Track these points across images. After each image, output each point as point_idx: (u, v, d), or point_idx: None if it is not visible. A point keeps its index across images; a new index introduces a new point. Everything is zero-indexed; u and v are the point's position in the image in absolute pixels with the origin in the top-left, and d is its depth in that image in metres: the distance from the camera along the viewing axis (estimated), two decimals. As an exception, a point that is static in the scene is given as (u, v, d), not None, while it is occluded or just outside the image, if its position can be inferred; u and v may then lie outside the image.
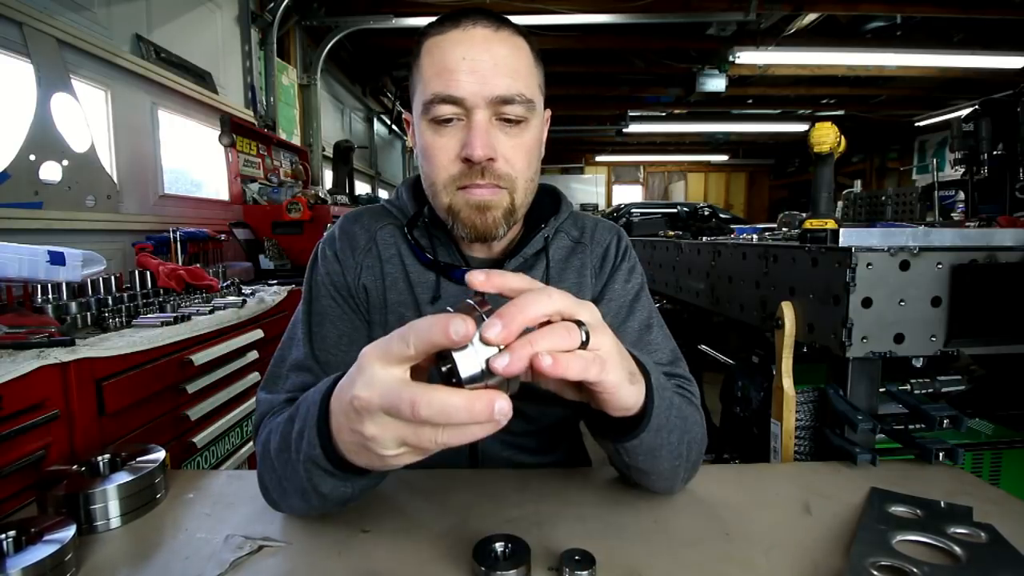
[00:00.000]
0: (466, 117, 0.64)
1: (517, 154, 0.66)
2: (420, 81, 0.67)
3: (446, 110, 0.63)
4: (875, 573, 0.49)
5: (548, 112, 0.76)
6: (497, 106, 0.63)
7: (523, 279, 0.43)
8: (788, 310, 1.01)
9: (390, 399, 0.37)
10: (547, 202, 0.82)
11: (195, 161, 2.77)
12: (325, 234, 0.81)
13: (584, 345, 0.41)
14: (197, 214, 2.59)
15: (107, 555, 0.55)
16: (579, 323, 0.41)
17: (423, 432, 0.37)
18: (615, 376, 0.44)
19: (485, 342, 0.36)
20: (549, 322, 0.41)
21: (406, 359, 0.38)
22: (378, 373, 0.38)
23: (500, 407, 0.35)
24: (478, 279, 0.40)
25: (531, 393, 0.77)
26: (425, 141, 0.67)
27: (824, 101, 7.07)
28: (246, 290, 1.87)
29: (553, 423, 0.82)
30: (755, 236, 1.94)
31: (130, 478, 0.62)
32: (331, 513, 0.62)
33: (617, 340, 0.46)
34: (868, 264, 0.89)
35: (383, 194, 6.29)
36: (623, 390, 0.46)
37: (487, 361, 0.36)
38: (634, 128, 7.84)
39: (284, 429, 0.54)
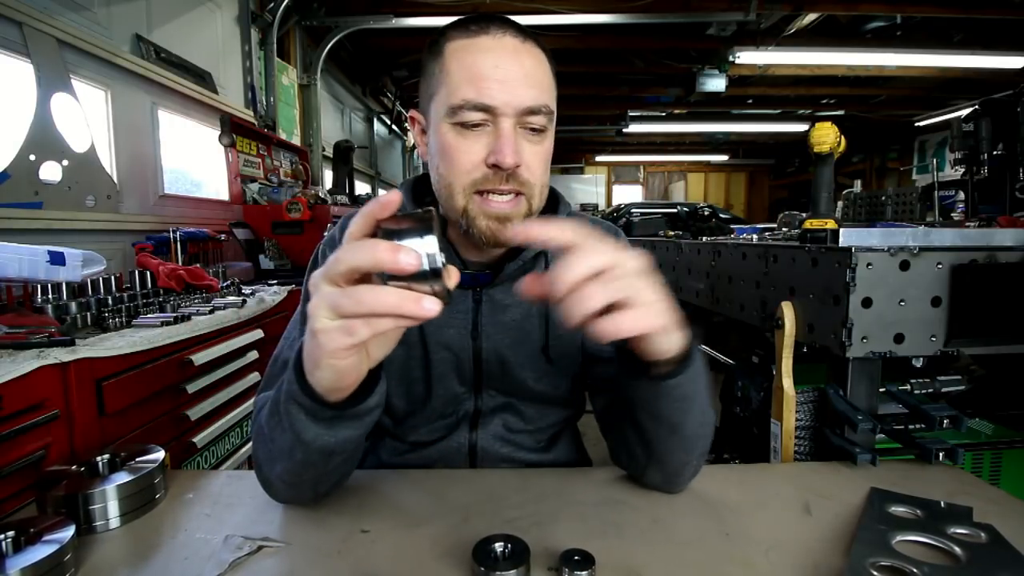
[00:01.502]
0: (492, 124, 0.64)
1: (537, 161, 0.67)
2: (445, 83, 0.66)
3: (475, 116, 0.64)
4: (875, 573, 0.49)
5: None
6: (523, 116, 0.64)
7: (567, 230, 0.46)
8: (788, 310, 1.01)
9: (333, 295, 0.44)
10: (546, 203, 0.82)
11: (195, 161, 2.77)
12: (325, 235, 0.81)
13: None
14: (197, 214, 2.59)
15: (106, 555, 0.55)
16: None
17: (354, 323, 0.43)
18: (658, 322, 0.49)
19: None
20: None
21: (339, 278, 0.45)
22: (323, 288, 0.45)
23: (428, 305, 0.42)
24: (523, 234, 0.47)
25: (530, 394, 0.78)
26: (447, 143, 0.66)
27: (824, 101, 7.06)
28: (246, 290, 1.87)
29: (551, 424, 0.82)
30: (755, 236, 1.94)
31: (130, 478, 0.62)
32: (330, 513, 0.62)
33: (661, 289, 0.50)
34: (868, 264, 0.89)
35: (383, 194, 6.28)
36: (667, 337, 0.52)
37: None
38: (634, 128, 7.84)
39: (275, 396, 0.57)
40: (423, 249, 0.42)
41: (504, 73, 0.63)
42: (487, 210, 0.66)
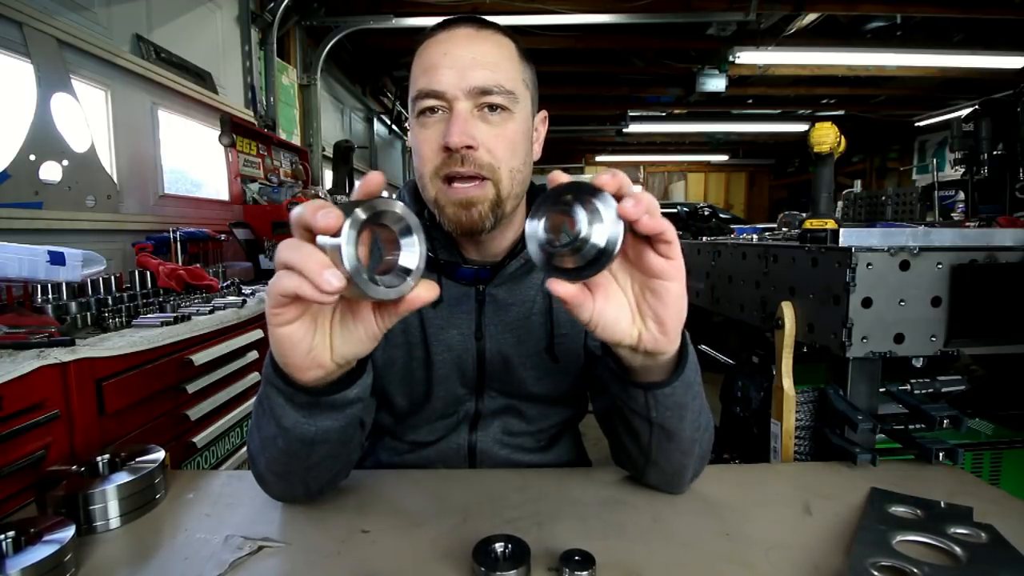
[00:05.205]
0: (448, 110, 0.66)
1: (499, 143, 0.67)
2: (411, 81, 0.69)
3: (429, 103, 0.66)
4: (875, 573, 0.49)
5: (544, 113, 0.77)
6: (477, 97, 0.65)
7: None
8: (788, 310, 1.01)
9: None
10: None
11: (195, 161, 2.77)
12: None
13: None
14: (197, 214, 2.59)
15: (106, 555, 0.55)
16: None
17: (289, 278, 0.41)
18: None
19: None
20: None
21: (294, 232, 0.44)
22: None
23: (328, 275, 0.39)
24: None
25: (531, 394, 0.78)
26: (413, 136, 0.69)
27: (824, 101, 7.06)
28: (246, 290, 1.87)
29: (552, 424, 0.82)
30: (755, 236, 1.94)
31: (130, 478, 0.62)
32: (330, 513, 0.62)
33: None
34: (868, 264, 0.89)
35: (383, 194, 6.27)
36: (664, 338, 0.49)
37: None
38: (634, 128, 7.83)
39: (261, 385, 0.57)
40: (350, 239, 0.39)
41: (453, 59, 0.65)
42: (452, 197, 0.67)
